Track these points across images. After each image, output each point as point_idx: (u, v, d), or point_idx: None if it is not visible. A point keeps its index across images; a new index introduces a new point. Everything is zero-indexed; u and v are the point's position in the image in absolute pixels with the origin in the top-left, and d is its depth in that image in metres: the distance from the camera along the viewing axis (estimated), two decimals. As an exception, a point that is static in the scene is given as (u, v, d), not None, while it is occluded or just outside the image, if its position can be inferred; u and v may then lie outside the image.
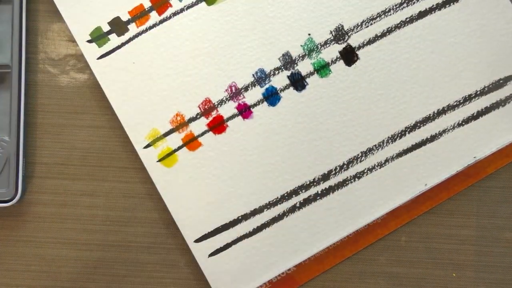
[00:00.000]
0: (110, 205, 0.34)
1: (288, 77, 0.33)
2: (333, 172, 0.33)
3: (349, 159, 0.33)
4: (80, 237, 0.34)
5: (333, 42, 0.33)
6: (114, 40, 0.33)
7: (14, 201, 0.32)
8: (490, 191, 0.34)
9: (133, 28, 0.33)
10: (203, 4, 0.32)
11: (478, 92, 0.33)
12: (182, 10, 0.32)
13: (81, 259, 0.34)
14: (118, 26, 0.33)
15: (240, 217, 0.32)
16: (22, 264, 0.34)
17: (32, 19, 0.34)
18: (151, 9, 0.33)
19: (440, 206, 0.34)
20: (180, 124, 0.33)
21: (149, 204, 0.34)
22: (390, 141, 0.33)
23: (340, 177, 0.33)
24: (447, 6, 0.32)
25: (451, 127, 0.33)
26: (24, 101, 0.32)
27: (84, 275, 0.33)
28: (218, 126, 0.33)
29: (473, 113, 0.33)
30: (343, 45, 0.33)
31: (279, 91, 0.33)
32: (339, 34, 0.33)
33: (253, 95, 0.33)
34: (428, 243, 0.34)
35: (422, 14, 0.32)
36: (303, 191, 0.33)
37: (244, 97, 0.33)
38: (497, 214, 0.34)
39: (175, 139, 0.32)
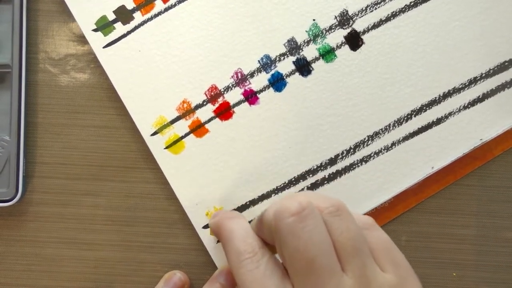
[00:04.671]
0: (111, 205, 0.34)
1: (293, 62, 0.33)
2: (340, 156, 0.33)
3: (356, 143, 0.33)
4: (81, 237, 0.34)
5: (338, 27, 0.33)
6: (120, 28, 0.33)
7: (15, 200, 0.32)
8: (490, 190, 0.34)
9: (138, 16, 0.33)
10: (208, -9, 0.33)
11: (484, 75, 0.33)
12: (187, -2, 0.33)
13: (82, 258, 0.33)
14: (123, 14, 0.33)
15: (248, 203, 0.33)
16: (22, 264, 0.34)
17: (33, 19, 0.34)
18: (156, -3, 0.33)
19: (440, 206, 0.34)
20: (187, 111, 0.33)
21: (150, 204, 0.34)
22: (396, 124, 0.33)
23: (347, 161, 0.33)
24: (451, -11, 0.33)
25: (457, 110, 0.33)
26: (24, 101, 0.32)
27: (84, 274, 0.33)
28: (224, 112, 0.33)
29: (479, 96, 0.33)
30: (348, 30, 0.33)
31: (284, 77, 0.33)
32: (344, 19, 0.33)
33: (259, 81, 0.33)
34: (428, 242, 0.34)
35: (426, -2, 0.33)
36: (310, 175, 0.33)
37: (250, 83, 0.33)
38: (497, 214, 0.34)
39: (182, 126, 0.33)
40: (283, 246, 0.23)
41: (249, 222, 0.28)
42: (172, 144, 0.33)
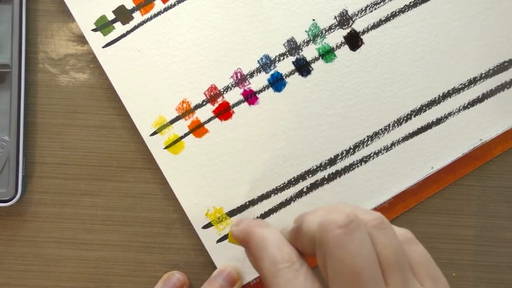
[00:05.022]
0: (110, 205, 0.34)
1: (293, 62, 0.33)
2: (340, 156, 0.33)
3: (355, 143, 0.33)
4: (80, 237, 0.34)
5: (337, 27, 0.33)
6: (119, 28, 0.33)
7: (14, 200, 0.32)
8: (490, 191, 0.34)
9: (138, 16, 0.33)
10: (208, -9, 0.33)
11: (483, 75, 0.33)
12: (186, -2, 0.33)
13: (81, 259, 0.33)
14: (123, 14, 0.33)
15: (247, 203, 0.33)
16: (22, 264, 0.34)
17: (32, 19, 0.34)
18: (155, -3, 0.33)
19: (440, 206, 0.34)
20: (186, 111, 0.33)
21: (149, 204, 0.33)
22: (396, 124, 0.33)
23: (346, 162, 0.33)
24: (450, -11, 0.33)
25: (457, 110, 0.33)
26: (24, 101, 0.32)
27: (84, 275, 0.33)
28: (224, 112, 0.33)
29: (478, 96, 0.33)
30: (348, 30, 0.33)
31: (284, 77, 0.33)
32: (344, 19, 0.33)
33: (259, 81, 0.33)
34: (428, 243, 0.33)
35: (426, -2, 0.33)
36: (310, 176, 0.33)
37: (249, 83, 0.33)
38: (497, 214, 0.34)
39: (182, 126, 0.33)
40: (329, 258, 0.22)
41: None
42: (172, 144, 0.33)
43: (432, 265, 0.25)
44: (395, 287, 0.23)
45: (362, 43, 0.33)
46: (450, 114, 0.33)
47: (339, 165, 0.33)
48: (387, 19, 0.33)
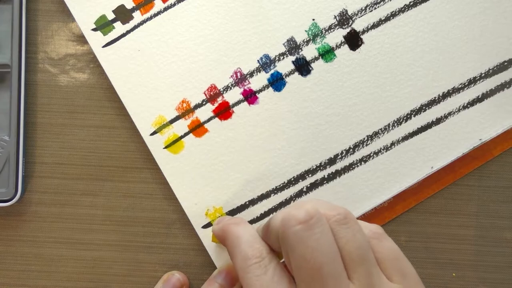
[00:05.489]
0: (110, 205, 0.34)
1: (293, 62, 0.33)
2: (339, 156, 0.33)
3: (355, 143, 0.33)
4: (80, 237, 0.33)
5: (337, 27, 0.33)
6: (119, 28, 0.33)
7: (14, 200, 0.32)
8: (490, 191, 0.34)
9: (137, 16, 0.33)
10: (207, -10, 0.33)
11: (483, 75, 0.33)
12: (186, -3, 0.33)
13: (81, 258, 0.33)
14: (122, 14, 0.33)
15: (247, 203, 0.33)
16: (22, 264, 0.33)
17: (32, 19, 0.34)
18: (155, -4, 0.33)
19: (440, 206, 0.34)
20: (186, 111, 0.33)
21: (149, 204, 0.33)
22: (395, 124, 0.33)
23: (346, 161, 0.33)
24: (450, -11, 0.33)
25: (456, 110, 0.33)
26: (24, 101, 0.32)
27: (84, 274, 0.33)
28: (224, 112, 0.33)
29: (478, 96, 0.33)
30: (348, 30, 0.33)
31: (284, 76, 0.33)
32: (343, 19, 0.33)
33: (258, 80, 0.33)
34: (428, 243, 0.34)
35: (425, -2, 0.33)
36: (310, 175, 0.33)
37: (249, 82, 0.33)
38: (497, 214, 0.34)
39: (181, 126, 0.33)
40: (290, 254, 0.23)
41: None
42: (171, 144, 0.33)
43: (402, 260, 0.25)
44: (359, 282, 0.23)
45: (362, 42, 0.33)
46: (450, 113, 0.33)
47: (339, 165, 0.33)
48: (387, 18, 0.33)
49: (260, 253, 0.25)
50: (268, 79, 0.33)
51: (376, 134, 0.33)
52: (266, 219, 0.32)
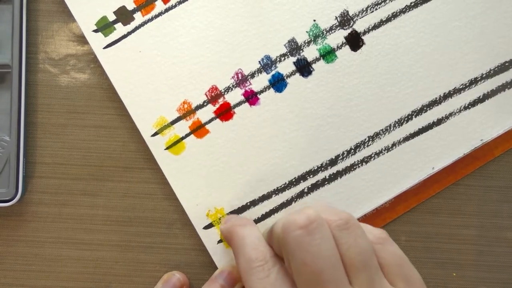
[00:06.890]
0: (110, 205, 0.34)
1: (294, 63, 0.33)
2: (341, 157, 0.33)
3: (356, 143, 0.33)
4: (80, 237, 0.33)
5: (338, 28, 0.33)
6: (120, 29, 0.33)
7: (14, 201, 0.32)
8: (491, 191, 0.34)
9: (138, 17, 0.33)
10: (208, -9, 0.33)
11: (484, 75, 0.33)
12: (187, -2, 0.33)
13: (81, 258, 0.33)
14: (123, 15, 0.33)
15: (248, 203, 0.33)
16: (22, 264, 0.33)
17: (33, 19, 0.34)
18: (156, -3, 0.33)
19: (441, 206, 0.34)
20: (187, 112, 0.33)
21: (149, 204, 0.33)
22: (397, 125, 0.33)
23: (347, 162, 0.33)
24: (451, -11, 0.33)
25: (458, 110, 0.33)
26: (24, 101, 0.32)
27: (84, 275, 0.33)
28: (225, 113, 0.33)
29: (479, 96, 0.33)
30: (349, 31, 0.33)
31: (285, 77, 0.33)
32: (344, 20, 0.33)
33: (260, 81, 0.33)
34: (428, 242, 0.34)
35: (426, -2, 0.33)
36: (311, 176, 0.33)
37: (250, 83, 0.33)
38: (498, 214, 0.34)
39: (183, 127, 0.33)
40: (291, 259, 0.23)
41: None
42: (173, 145, 0.33)
43: (406, 265, 0.25)
44: (361, 287, 0.23)
45: (363, 43, 0.33)
46: (451, 114, 0.33)
47: (340, 166, 0.33)
48: (388, 19, 0.33)
49: (264, 256, 0.25)
50: (269, 80, 0.33)
51: (377, 134, 0.33)
52: (267, 220, 0.33)
